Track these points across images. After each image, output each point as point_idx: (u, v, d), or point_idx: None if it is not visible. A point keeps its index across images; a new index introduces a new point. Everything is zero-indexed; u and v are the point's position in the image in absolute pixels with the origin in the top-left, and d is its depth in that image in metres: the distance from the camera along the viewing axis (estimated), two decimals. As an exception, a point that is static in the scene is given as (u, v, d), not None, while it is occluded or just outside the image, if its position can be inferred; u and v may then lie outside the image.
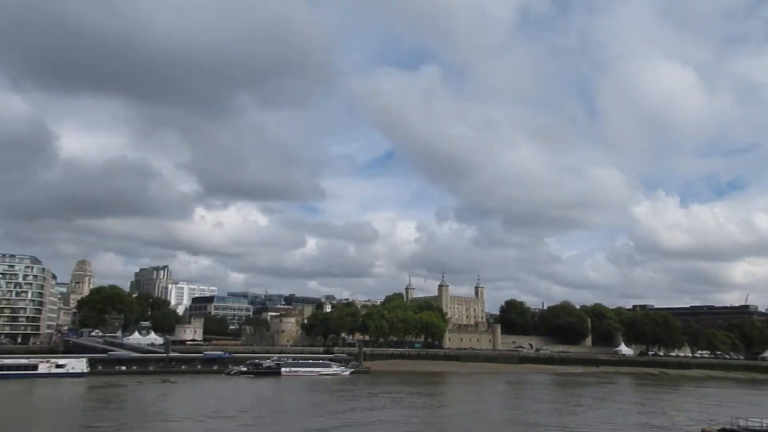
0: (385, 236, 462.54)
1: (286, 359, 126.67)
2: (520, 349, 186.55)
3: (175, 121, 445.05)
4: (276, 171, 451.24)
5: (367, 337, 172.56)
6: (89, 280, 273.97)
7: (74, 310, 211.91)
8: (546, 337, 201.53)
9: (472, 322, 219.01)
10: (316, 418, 58.05)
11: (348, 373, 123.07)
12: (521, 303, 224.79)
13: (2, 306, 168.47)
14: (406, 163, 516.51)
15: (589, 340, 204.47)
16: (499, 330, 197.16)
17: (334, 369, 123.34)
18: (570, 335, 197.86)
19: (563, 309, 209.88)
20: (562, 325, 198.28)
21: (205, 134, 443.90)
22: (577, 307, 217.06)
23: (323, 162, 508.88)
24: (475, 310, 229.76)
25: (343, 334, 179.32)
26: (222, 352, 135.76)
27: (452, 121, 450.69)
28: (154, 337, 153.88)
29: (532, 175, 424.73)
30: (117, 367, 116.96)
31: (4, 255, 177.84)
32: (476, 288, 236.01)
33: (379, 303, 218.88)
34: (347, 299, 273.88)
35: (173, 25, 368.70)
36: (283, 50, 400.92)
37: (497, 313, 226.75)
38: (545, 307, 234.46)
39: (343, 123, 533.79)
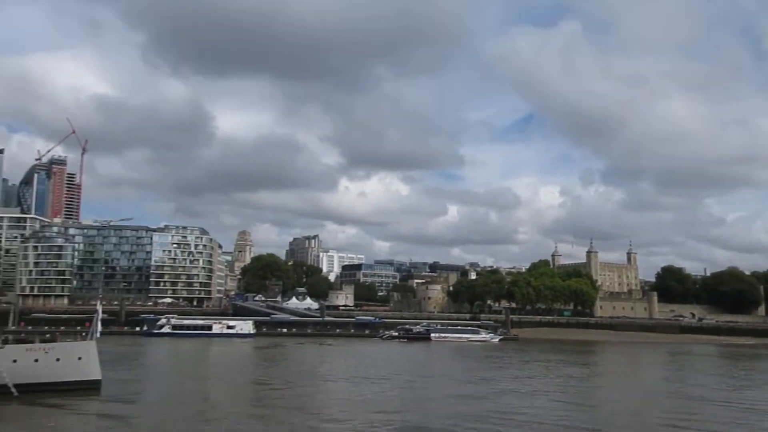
0: (527, 202, 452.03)
1: (435, 325, 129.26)
2: (680, 318, 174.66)
3: (317, 97, 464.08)
4: (414, 140, 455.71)
5: (513, 305, 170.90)
6: (249, 249, 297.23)
7: (238, 276, 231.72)
8: (709, 305, 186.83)
9: (625, 290, 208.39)
10: (467, 384, 58.82)
11: (497, 340, 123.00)
12: (680, 269, 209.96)
13: (179, 273, 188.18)
14: (547, 125, 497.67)
15: (761, 309, 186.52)
16: (655, 298, 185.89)
17: (483, 336, 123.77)
18: (738, 304, 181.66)
19: (730, 275, 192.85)
20: (728, 292, 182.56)
21: (345, 107, 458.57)
22: (747, 273, 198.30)
23: (461, 128, 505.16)
24: (627, 277, 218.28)
25: (489, 301, 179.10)
26: (372, 317, 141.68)
27: (595, 77, 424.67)
28: (309, 302, 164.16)
29: (688, 130, 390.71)
30: (279, 330, 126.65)
31: (177, 227, 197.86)
32: (628, 254, 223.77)
33: (524, 270, 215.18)
34: (491, 266, 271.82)
35: (309, 4, 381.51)
36: (415, 18, 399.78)
37: (652, 279, 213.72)
38: (708, 274, 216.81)
39: (479, 88, 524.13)
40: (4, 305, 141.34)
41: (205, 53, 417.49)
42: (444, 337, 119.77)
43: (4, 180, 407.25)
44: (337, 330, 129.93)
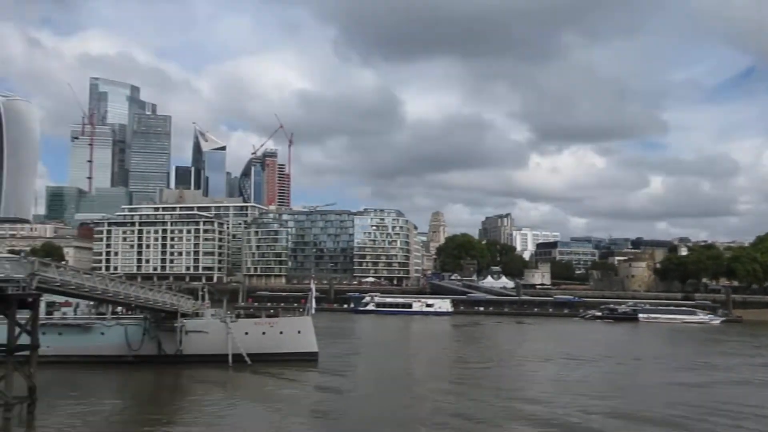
0: (748, 167, 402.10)
1: (643, 305, 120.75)
2: None
3: (503, 73, 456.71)
4: (609, 108, 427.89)
5: (735, 283, 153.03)
6: (443, 229, 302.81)
7: (434, 256, 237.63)
8: None
9: None
10: (685, 370, 53.96)
11: (718, 322, 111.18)
12: None
13: (379, 253, 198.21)
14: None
15: None
16: None
17: (701, 317, 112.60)
18: None
19: None
20: None
21: (533, 81, 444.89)
22: None
23: (663, 92, 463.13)
24: None
25: (704, 280, 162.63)
26: (571, 297, 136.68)
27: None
28: (505, 281, 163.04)
29: None
30: (475, 308, 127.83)
31: (375, 210, 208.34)
32: None
33: (747, 244, 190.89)
34: (705, 241, 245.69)
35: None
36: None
37: None
38: None
39: (683, 45, 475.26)
40: (234, 284, 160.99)
41: (391, 40, 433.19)
42: (654, 317, 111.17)
43: (228, 173, 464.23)
44: (535, 309, 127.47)
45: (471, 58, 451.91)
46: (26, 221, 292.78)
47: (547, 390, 42.65)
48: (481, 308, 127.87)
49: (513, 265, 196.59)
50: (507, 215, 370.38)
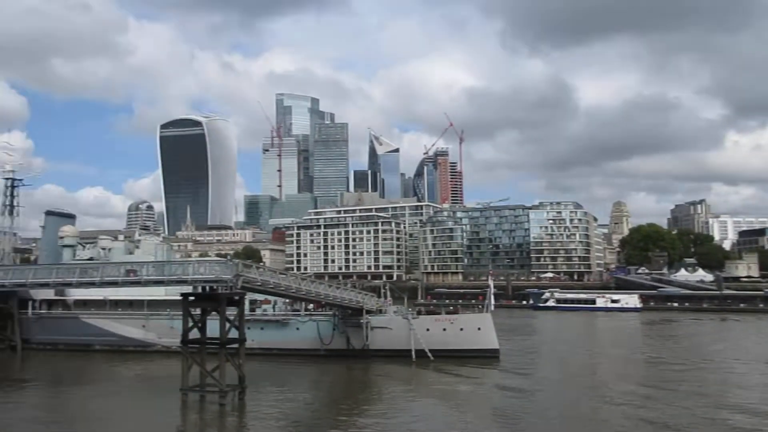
0: None
1: None
2: None
3: (689, 45, 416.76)
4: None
5: None
6: (626, 220, 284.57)
7: (617, 249, 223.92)
8: None
9: None
10: None
11: None
12: None
13: (557, 248, 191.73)
14: None
15: None
16: None
17: None
18: None
19: None
20: None
21: (726, 50, 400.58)
22: None
23: None
24: None
25: None
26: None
27: None
28: (702, 274, 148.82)
29: None
30: (668, 304, 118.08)
31: (551, 203, 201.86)
32: None
33: None
34: None
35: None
36: None
37: None
38: None
39: None
40: (413, 282, 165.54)
41: (562, 25, 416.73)
42: None
43: (402, 174, 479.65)
44: (741, 305, 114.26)
45: (651, 34, 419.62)
46: (229, 228, 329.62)
47: (759, 397, 38.26)
48: (675, 304, 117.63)
49: (710, 257, 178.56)
50: (701, 201, 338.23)
